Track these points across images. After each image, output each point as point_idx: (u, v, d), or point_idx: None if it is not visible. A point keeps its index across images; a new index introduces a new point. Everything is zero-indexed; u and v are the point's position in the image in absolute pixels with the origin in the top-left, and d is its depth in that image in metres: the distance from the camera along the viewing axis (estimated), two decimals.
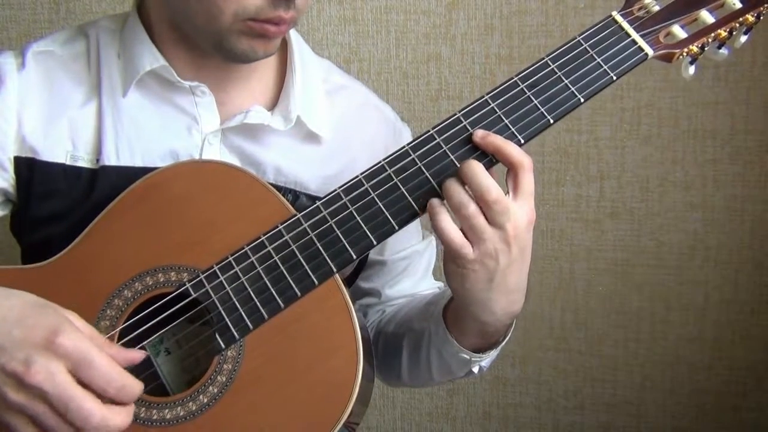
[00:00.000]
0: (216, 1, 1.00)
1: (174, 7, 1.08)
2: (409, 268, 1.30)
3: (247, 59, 1.07)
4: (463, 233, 0.95)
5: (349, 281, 1.28)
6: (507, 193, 0.95)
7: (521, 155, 0.95)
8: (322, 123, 1.18)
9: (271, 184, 1.09)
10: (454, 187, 0.95)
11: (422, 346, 1.17)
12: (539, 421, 1.97)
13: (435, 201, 0.97)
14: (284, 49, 1.20)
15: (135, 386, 0.89)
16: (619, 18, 1.02)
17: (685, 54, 1.01)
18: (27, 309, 0.88)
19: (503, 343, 1.12)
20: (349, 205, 0.99)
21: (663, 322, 1.87)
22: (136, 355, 0.94)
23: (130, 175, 1.07)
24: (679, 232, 1.82)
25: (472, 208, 0.94)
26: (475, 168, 0.94)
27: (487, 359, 1.13)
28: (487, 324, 1.04)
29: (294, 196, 1.15)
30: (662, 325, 1.87)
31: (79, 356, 0.84)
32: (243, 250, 1.00)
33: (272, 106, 1.17)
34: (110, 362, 0.87)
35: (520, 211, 0.95)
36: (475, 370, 1.15)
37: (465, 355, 1.11)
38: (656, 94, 1.77)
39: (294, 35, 1.20)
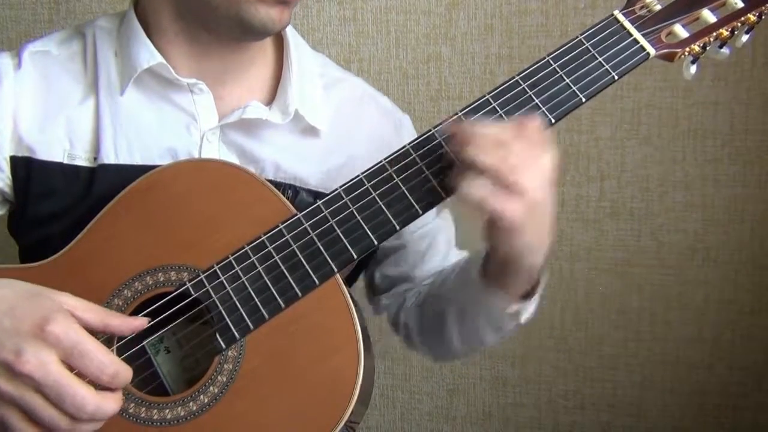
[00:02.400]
0: None
1: None
2: (432, 246, 1.29)
3: (264, 30, 1.07)
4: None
5: (350, 280, 1.28)
6: None
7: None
8: (321, 116, 1.18)
9: (271, 181, 1.09)
10: (479, 147, 0.91)
11: (467, 313, 1.15)
12: (539, 421, 1.97)
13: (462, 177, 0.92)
14: (280, 43, 1.20)
15: (127, 372, 0.88)
16: (620, 17, 1.02)
17: (686, 53, 1.01)
18: (18, 298, 0.87)
19: (544, 278, 1.10)
20: (350, 205, 0.99)
21: (663, 322, 1.87)
22: (140, 322, 0.94)
23: (128, 173, 1.07)
24: (679, 232, 1.82)
25: (504, 166, 0.90)
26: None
27: (533, 303, 1.11)
28: (537, 265, 1.03)
29: (294, 191, 1.15)
30: (662, 325, 1.87)
31: (70, 344, 0.84)
32: (243, 250, 1.00)
33: (270, 100, 1.17)
34: (102, 349, 0.86)
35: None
36: (523, 319, 1.12)
37: (514, 307, 1.09)
38: (656, 94, 1.77)
39: (290, 30, 1.20)
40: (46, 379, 0.82)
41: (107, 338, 0.99)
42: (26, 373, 0.82)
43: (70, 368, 0.85)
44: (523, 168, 0.91)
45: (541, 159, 0.93)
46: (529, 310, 1.11)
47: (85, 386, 0.84)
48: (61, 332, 0.84)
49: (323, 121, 1.18)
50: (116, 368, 0.87)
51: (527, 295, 1.09)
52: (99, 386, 0.86)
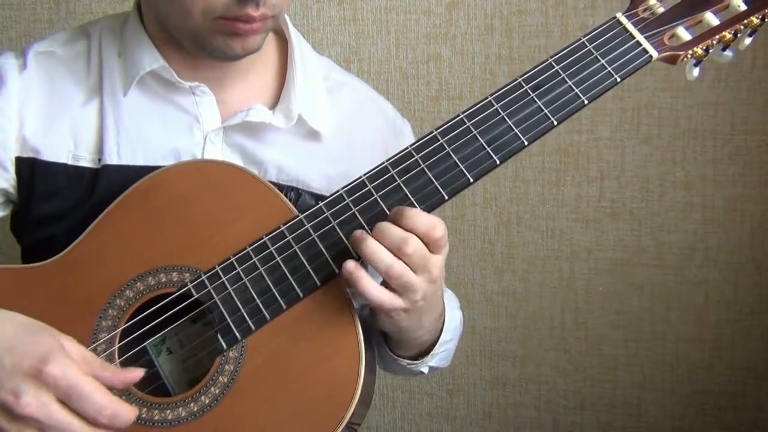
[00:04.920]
0: (184, 2, 1.00)
1: (155, 9, 1.09)
2: None
3: (227, 57, 1.08)
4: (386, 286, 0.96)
5: None
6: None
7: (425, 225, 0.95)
8: (324, 120, 1.18)
9: (273, 183, 1.09)
10: (375, 248, 0.94)
11: (379, 348, 1.19)
12: (539, 421, 1.97)
13: (351, 264, 0.95)
14: (284, 47, 1.20)
15: (127, 412, 0.88)
16: (623, 19, 1.02)
17: (689, 56, 1.01)
18: (19, 335, 0.88)
19: (441, 338, 1.15)
20: (352, 206, 0.99)
21: (663, 322, 1.87)
22: (134, 374, 0.93)
23: (131, 174, 1.07)
24: (679, 232, 1.82)
25: (398, 267, 0.94)
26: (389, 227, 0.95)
27: (432, 359, 1.17)
28: (423, 340, 1.12)
29: (296, 194, 1.15)
30: (662, 325, 1.87)
31: (67, 385, 0.84)
32: (245, 251, 1.00)
33: (274, 104, 1.17)
34: (100, 390, 0.86)
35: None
36: (425, 370, 1.20)
37: (405, 361, 1.17)
38: (656, 95, 1.76)
39: (294, 33, 1.20)
40: (49, 420, 0.83)
41: (109, 339, 0.99)
42: (27, 415, 0.82)
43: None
44: (413, 271, 0.95)
45: (431, 261, 0.96)
46: (427, 364, 1.18)
47: (87, 426, 0.85)
48: (59, 374, 0.84)
49: (326, 125, 1.18)
50: (114, 409, 0.86)
51: (423, 354, 1.16)
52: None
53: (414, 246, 0.93)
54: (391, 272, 0.94)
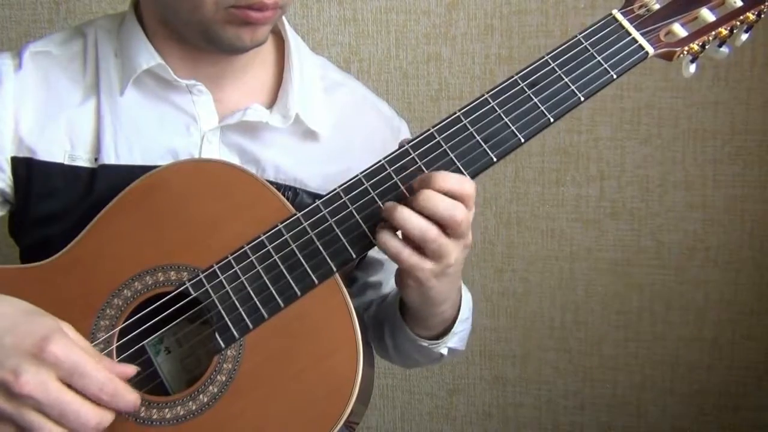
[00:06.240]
0: None
1: (160, 5, 1.09)
2: None
3: (235, 49, 1.08)
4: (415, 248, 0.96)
5: (352, 281, 1.28)
6: None
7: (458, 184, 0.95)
8: (321, 120, 1.18)
9: (271, 182, 1.09)
10: (407, 214, 0.94)
11: (396, 336, 1.19)
12: (539, 421, 1.97)
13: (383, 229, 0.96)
14: (281, 46, 1.20)
15: (127, 393, 0.90)
16: (619, 16, 1.02)
17: (685, 52, 1.01)
18: (19, 316, 0.88)
19: (459, 315, 1.15)
20: (349, 204, 0.99)
21: (663, 322, 1.86)
22: (128, 369, 0.94)
23: (129, 173, 1.07)
24: (679, 232, 1.82)
25: (434, 231, 0.93)
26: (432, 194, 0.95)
27: (451, 339, 1.17)
28: (446, 314, 1.10)
29: (294, 193, 1.15)
30: (662, 325, 1.87)
31: (70, 364, 0.85)
32: (242, 250, 1.00)
33: (271, 103, 1.17)
34: (102, 368, 0.87)
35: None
36: (445, 352, 1.19)
37: (426, 342, 1.15)
38: (656, 94, 1.76)
39: (290, 32, 1.20)
40: (47, 398, 0.83)
41: (107, 338, 0.99)
42: (26, 394, 0.83)
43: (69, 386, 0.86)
44: (447, 237, 0.95)
45: (467, 227, 0.96)
46: (446, 344, 1.17)
47: (87, 403, 0.86)
48: (61, 353, 0.85)
49: (323, 125, 1.19)
50: (116, 386, 0.88)
51: (443, 334, 1.15)
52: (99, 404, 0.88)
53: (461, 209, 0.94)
54: (428, 235, 0.93)
